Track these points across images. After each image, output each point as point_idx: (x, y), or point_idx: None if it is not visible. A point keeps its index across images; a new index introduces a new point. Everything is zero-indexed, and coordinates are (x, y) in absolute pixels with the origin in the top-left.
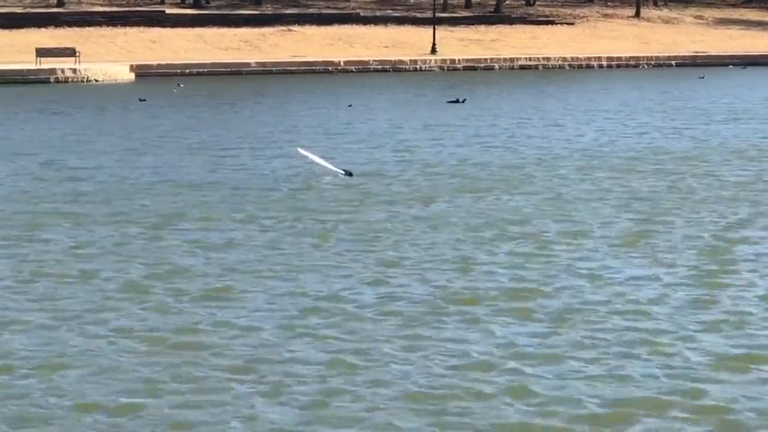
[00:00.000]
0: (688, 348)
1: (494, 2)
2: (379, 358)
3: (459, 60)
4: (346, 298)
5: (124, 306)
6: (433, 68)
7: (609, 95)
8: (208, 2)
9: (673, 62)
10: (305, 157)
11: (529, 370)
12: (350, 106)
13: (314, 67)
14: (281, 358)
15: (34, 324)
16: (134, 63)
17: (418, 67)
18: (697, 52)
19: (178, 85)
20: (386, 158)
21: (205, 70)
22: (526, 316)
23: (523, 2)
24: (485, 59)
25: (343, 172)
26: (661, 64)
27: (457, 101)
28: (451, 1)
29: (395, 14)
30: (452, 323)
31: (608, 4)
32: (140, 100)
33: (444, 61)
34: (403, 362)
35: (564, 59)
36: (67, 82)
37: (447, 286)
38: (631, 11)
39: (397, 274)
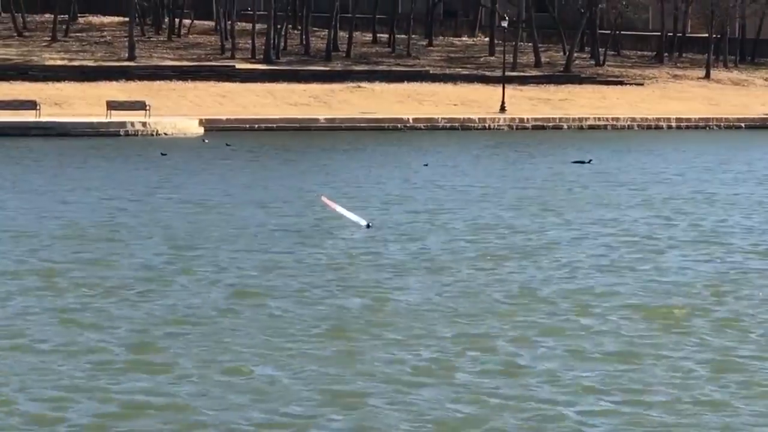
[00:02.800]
0: None
1: (563, 62)
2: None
3: (528, 119)
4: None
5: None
6: (501, 126)
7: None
8: (278, 58)
9: (742, 124)
10: (328, 206)
11: None
12: (426, 165)
13: (383, 124)
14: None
15: None
16: (203, 117)
17: (486, 125)
18: (767, 114)
19: (205, 139)
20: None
21: (274, 125)
22: None
23: (593, 62)
24: (554, 118)
25: (365, 224)
26: (730, 126)
27: (583, 162)
28: (521, 60)
29: (465, 72)
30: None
31: (678, 65)
32: (162, 154)
33: (513, 119)
34: None
35: (633, 120)
36: (137, 135)
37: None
38: (701, 72)
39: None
